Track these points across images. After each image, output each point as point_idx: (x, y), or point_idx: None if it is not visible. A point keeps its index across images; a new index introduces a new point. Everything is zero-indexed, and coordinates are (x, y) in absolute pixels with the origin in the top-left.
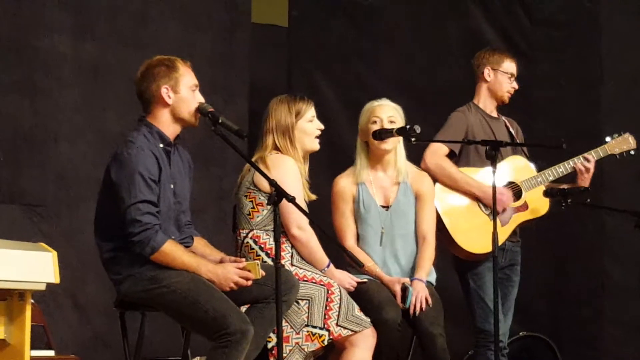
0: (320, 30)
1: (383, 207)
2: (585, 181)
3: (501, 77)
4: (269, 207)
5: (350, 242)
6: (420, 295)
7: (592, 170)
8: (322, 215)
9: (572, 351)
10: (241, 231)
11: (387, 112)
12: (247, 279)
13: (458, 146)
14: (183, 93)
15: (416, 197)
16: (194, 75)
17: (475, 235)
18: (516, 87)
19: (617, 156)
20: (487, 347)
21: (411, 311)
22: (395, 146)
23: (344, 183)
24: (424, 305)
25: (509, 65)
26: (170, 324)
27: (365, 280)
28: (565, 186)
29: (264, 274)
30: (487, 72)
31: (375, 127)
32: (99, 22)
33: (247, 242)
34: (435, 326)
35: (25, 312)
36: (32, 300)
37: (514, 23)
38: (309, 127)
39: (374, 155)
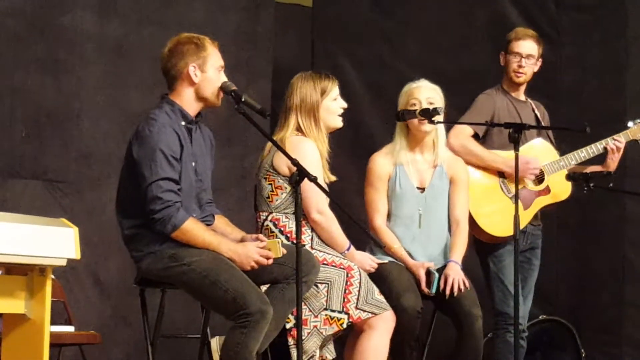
0: (345, 10)
1: (419, 189)
2: (614, 162)
3: (509, 57)
4: (288, 190)
5: (379, 221)
6: (457, 278)
7: (621, 151)
8: (343, 196)
9: (591, 335)
10: (261, 213)
11: (425, 94)
12: (267, 258)
13: (482, 129)
14: (209, 73)
15: (450, 182)
16: (220, 56)
17: (497, 218)
18: (522, 64)
19: (639, 142)
20: (506, 329)
21: (447, 292)
22: (436, 129)
23: (382, 161)
24: (462, 287)
25: (515, 45)
26: (190, 301)
27: (386, 261)
28: (588, 170)
29: (284, 251)
30: (502, 57)
31: (415, 109)
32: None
33: (267, 225)
34: (476, 308)
35: (45, 287)
36: (53, 276)
37: (540, 7)
38: (333, 105)
39: (413, 137)
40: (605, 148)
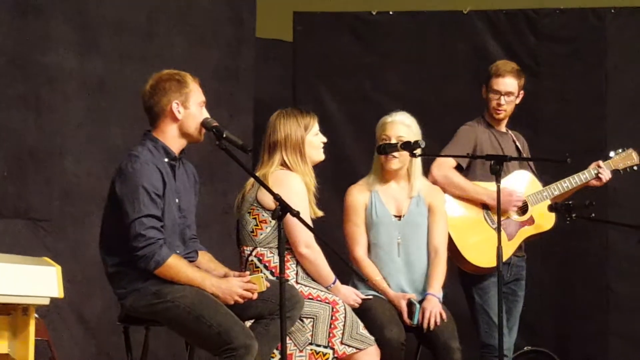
0: (326, 45)
1: (396, 216)
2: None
3: (489, 94)
4: (272, 224)
5: (359, 252)
6: (434, 311)
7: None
8: (328, 229)
9: None
10: (245, 248)
11: (397, 131)
12: (251, 292)
13: (466, 160)
14: (192, 109)
15: (429, 211)
16: (202, 92)
17: (482, 249)
18: (501, 102)
19: (621, 171)
20: None
21: (425, 326)
22: (406, 162)
23: (357, 192)
24: (438, 320)
25: (494, 82)
26: (175, 338)
27: (371, 297)
28: (570, 200)
29: (268, 285)
30: (484, 90)
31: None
32: (105, 37)
33: (252, 260)
34: (453, 340)
35: (29, 326)
36: (37, 315)
37: (519, 39)
38: (315, 140)
39: (386, 170)
40: (587, 178)
